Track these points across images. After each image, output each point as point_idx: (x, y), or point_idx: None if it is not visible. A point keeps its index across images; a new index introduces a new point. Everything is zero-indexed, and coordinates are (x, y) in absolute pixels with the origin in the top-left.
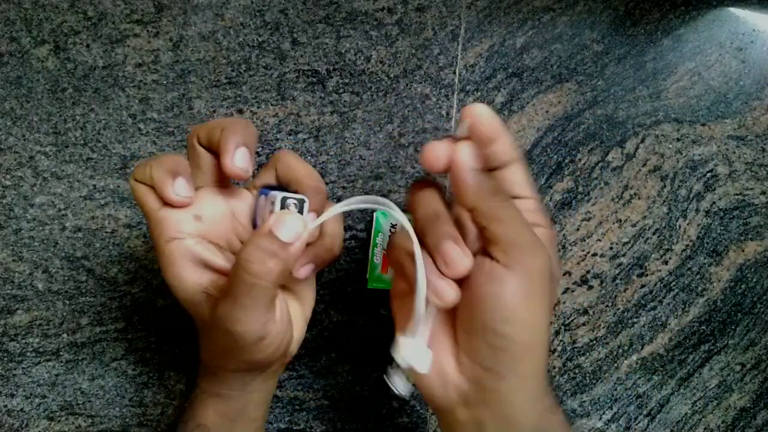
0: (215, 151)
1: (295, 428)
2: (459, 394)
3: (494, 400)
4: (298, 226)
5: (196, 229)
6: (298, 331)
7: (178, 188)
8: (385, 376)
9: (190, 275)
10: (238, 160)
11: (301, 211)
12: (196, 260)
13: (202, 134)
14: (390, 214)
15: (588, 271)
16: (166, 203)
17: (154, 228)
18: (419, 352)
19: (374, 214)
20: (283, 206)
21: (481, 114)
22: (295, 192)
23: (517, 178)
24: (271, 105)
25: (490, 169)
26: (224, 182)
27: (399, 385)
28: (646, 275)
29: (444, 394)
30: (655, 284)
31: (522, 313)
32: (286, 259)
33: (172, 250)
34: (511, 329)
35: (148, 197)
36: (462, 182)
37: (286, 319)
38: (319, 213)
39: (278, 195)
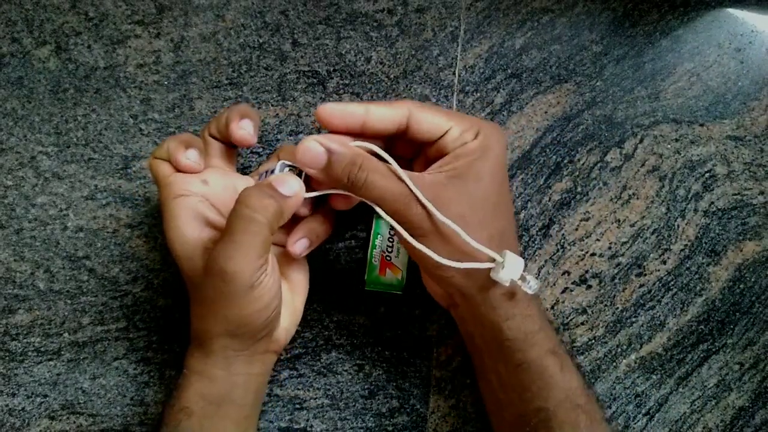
0: (223, 139)
1: (295, 427)
2: (446, 303)
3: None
4: (296, 185)
5: (201, 190)
6: (288, 319)
7: (190, 154)
8: (519, 281)
9: (190, 229)
10: (244, 124)
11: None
12: (199, 216)
13: (211, 125)
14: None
15: (587, 271)
16: (178, 169)
17: (163, 190)
18: (517, 265)
19: (373, 216)
20: (282, 170)
21: (328, 111)
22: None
23: (423, 124)
24: (272, 106)
25: (397, 139)
26: (231, 168)
27: (532, 286)
28: (645, 275)
29: (441, 301)
30: (654, 284)
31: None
32: (282, 204)
33: (176, 204)
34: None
35: (162, 167)
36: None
37: (278, 281)
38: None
39: (278, 163)
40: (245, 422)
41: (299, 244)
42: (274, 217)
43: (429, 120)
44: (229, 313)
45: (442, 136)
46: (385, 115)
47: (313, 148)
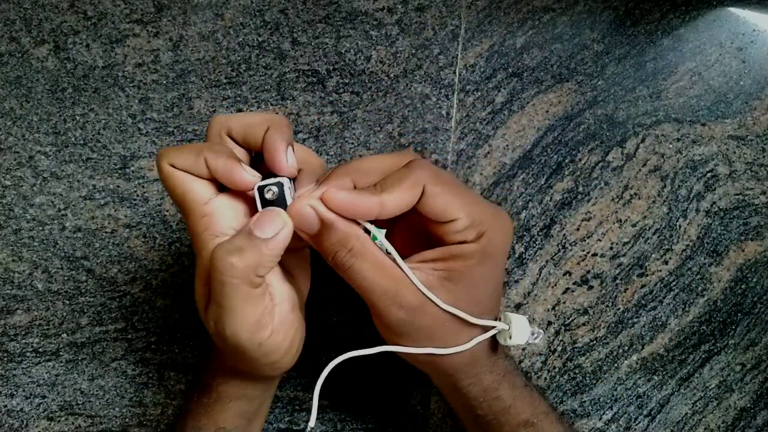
0: (249, 148)
1: (294, 428)
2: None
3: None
4: (277, 225)
5: (242, 223)
6: (300, 313)
7: (251, 171)
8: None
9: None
10: (291, 160)
11: (282, 195)
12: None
13: (236, 129)
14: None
15: (588, 271)
16: (233, 189)
17: (199, 222)
18: (524, 326)
19: None
20: (261, 195)
21: (337, 202)
22: (274, 176)
23: (434, 205)
24: (271, 105)
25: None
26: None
27: (540, 338)
28: (647, 275)
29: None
30: (656, 284)
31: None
32: (262, 249)
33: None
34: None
35: (196, 187)
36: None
37: (292, 325)
38: None
39: (254, 190)
40: (261, 427)
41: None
42: (249, 271)
43: (441, 202)
44: (252, 367)
45: (445, 222)
46: (400, 202)
47: (307, 215)
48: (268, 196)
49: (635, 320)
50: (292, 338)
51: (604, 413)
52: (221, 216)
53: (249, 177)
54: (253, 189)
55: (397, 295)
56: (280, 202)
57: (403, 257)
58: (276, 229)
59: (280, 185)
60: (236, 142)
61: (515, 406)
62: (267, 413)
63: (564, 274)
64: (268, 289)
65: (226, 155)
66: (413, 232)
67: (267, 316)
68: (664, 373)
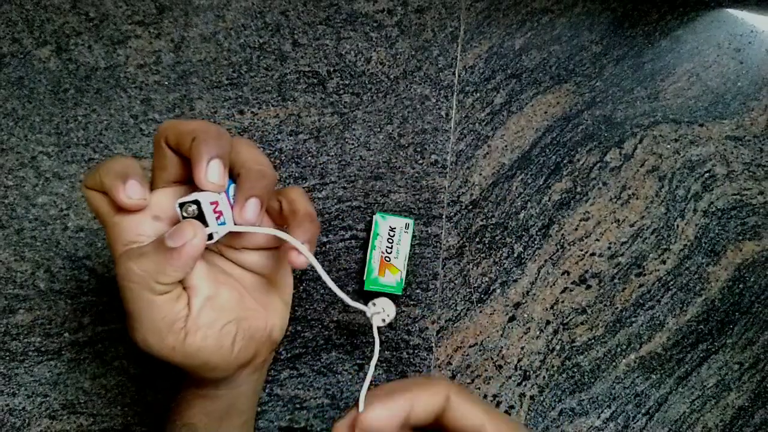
0: (183, 155)
1: (295, 426)
2: None
3: None
4: (187, 234)
5: (155, 230)
6: (280, 317)
7: (130, 191)
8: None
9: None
10: (211, 174)
11: (199, 211)
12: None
13: (171, 137)
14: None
15: (586, 271)
16: (120, 208)
17: (110, 233)
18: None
19: (374, 217)
20: (182, 210)
21: (374, 426)
22: (200, 191)
23: (460, 413)
24: (272, 106)
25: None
26: (187, 179)
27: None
28: (645, 275)
29: None
30: (654, 284)
31: None
32: (160, 261)
33: (131, 270)
34: None
35: (101, 203)
36: None
37: (215, 315)
38: (262, 200)
39: (176, 202)
40: (246, 425)
41: (301, 258)
42: (147, 277)
43: (465, 409)
44: (185, 369)
45: (476, 427)
46: (428, 404)
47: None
48: (186, 213)
49: (633, 319)
50: (218, 338)
51: (602, 412)
52: (128, 226)
53: (126, 200)
54: (140, 208)
55: None
56: (200, 218)
57: None
58: (184, 239)
59: (197, 203)
60: (173, 150)
61: None
62: (247, 411)
63: (562, 274)
64: (187, 293)
65: (114, 174)
66: None
67: (179, 321)
68: (662, 371)
